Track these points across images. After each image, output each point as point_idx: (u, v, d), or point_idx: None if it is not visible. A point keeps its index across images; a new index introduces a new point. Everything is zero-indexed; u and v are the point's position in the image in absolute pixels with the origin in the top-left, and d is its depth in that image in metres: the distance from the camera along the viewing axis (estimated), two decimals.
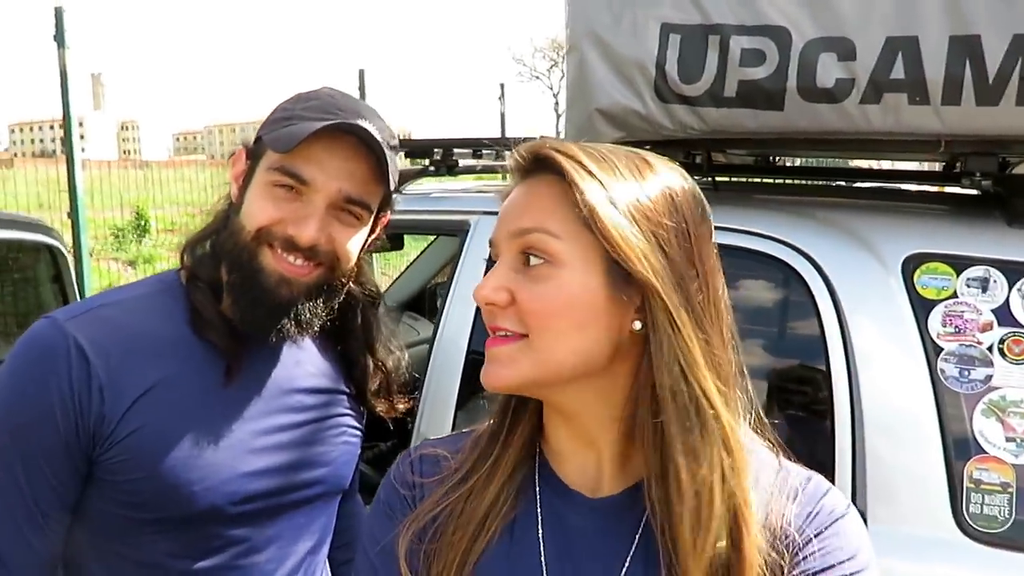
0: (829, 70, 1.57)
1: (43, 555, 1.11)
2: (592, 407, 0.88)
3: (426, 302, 4.11)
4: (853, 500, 1.56)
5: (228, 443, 1.17)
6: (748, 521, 0.81)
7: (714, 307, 0.86)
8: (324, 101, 1.19)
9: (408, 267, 4.29)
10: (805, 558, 0.83)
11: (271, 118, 1.21)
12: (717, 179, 2.14)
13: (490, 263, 0.91)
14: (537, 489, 0.92)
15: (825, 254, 1.73)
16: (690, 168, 2.12)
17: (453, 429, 1.90)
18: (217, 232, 1.23)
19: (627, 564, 0.86)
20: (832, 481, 1.55)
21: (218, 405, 1.18)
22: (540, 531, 0.90)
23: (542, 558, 0.88)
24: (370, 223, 1.26)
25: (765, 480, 0.87)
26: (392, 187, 1.20)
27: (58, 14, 4.54)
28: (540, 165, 0.87)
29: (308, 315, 1.19)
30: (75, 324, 1.12)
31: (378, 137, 1.15)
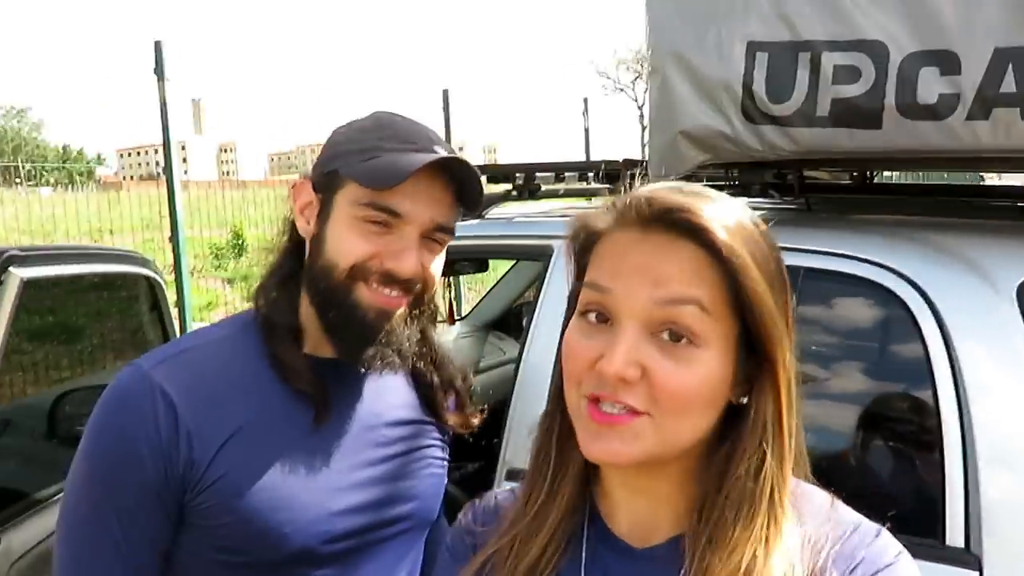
0: (931, 86, 1.49)
1: None
2: (661, 465, 0.84)
3: (511, 321, 4.10)
4: (966, 536, 1.46)
5: (316, 482, 1.16)
6: None
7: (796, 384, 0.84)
8: (398, 129, 1.18)
9: (494, 286, 4.29)
10: None
11: (344, 149, 1.18)
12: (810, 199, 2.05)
13: (573, 300, 0.87)
14: (584, 537, 0.90)
15: (930, 279, 1.63)
16: (781, 189, 2.05)
17: None
18: (292, 273, 1.22)
19: None
20: (943, 516, 1.49)
21: (306, 445, 1.17)
22: None
23: None
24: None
25: (811, 525, 0.82)
26: (481, 208, 1.22)
27: (157, 48, 4.75)
28: (665, 220, 0.80)
29: (407, 344, 1.20)
30: (160, 371, 1.13)
31: (464, 161, 1.16)
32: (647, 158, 1.88)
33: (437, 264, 1.21)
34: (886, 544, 0.82)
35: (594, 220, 0.87)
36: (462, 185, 1.18)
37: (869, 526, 0.84)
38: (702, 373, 0.78)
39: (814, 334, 1.75)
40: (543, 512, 0.90)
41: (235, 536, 1.10)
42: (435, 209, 1.16)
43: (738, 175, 2.00)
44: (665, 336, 0.78)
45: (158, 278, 2.49)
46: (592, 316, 0.83)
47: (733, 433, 0.82)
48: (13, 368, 2.14)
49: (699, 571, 0.78)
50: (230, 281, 11.93)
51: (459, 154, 1.19)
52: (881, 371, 1.78)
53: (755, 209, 2.23)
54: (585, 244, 0.88)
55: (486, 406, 1.43)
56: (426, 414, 1.34)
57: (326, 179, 1.19)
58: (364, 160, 1.14)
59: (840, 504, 0.86)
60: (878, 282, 1.67)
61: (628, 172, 2.29)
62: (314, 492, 1.15)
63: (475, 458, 2.66)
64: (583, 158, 10.17)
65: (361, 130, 1.20)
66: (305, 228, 1.21)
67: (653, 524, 0.87)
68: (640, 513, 0.88)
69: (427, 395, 1.34)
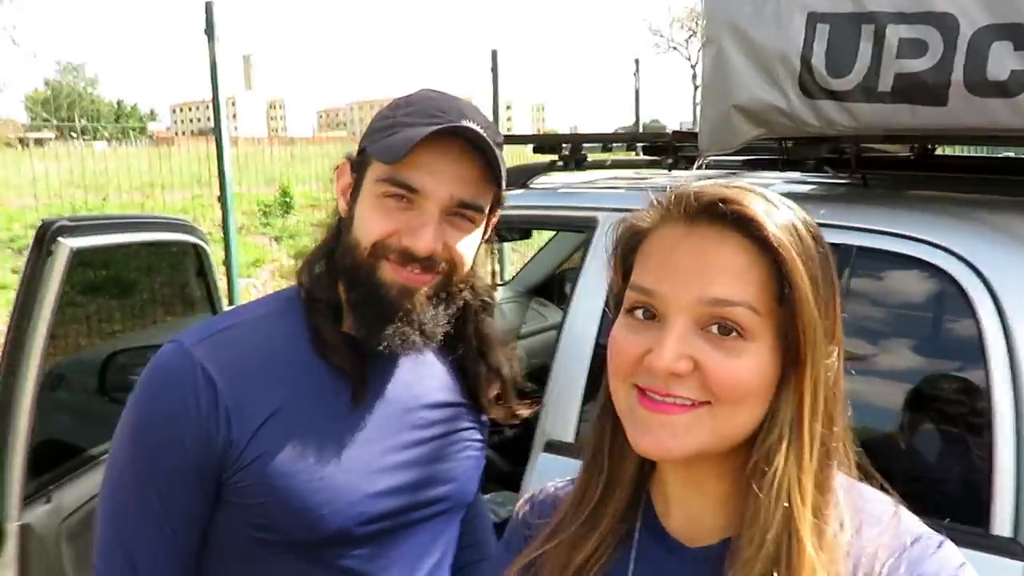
0: (1003, 61, 1.41)
1: None
2: (714, 461, 0.83)
3: (555, 288, 4.08)
4: (1014, 525, 1.42)
5: (354, 464, 1.15)
6: None
7: (837, 387, 0.82)
8: (425, 105, 1.15)
9: (538, 252, 4.27)
10: None
11: (373, 128, 1.18)
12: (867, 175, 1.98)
13: (616, 302, 0.86)
14: (637, 536, 0.90)
15: (987, 259, 1.56)
16: (836, 164, 1.98)
17: (578, 422, 1.90)
18: (332, 250, 1.22)
19: None
20: (990, 503, 1.44)
21: (343, 425, 1.17)
22: None
23: None
24: (483, 225, 1.22)
25: (869, 535, 0.79)
26: (502, 186, 1.17)
27: (208, 8, 4.76)
28: (713, 212, 0.79)
29: (431, 324, 1.17)
30: (201, 349, 1.12)
31: (485, 136, 1.11)
32: (699, 131, 1.83)
33: (466, 243, 1.18)
34: (946, 557, 0.78)
35: (638, 220, 0.86)
36: (491, 162, 1.14)
37: (931, 538, 0.80)
38: (753, 364, 0.77)
39: (866, 314, 1.70)
40: (596, 514, 0.90)
41: (271, 515, 1.10)
42: (457, 185, 1.13)
43: (792, 149, 1.93)
44: (714, 330, 0.77)
45: (204, 245, 2.52)
46: (639, 313, 0.82)
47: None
48: (65, 331, 2.19)
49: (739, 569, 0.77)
50: (277, 239, 12.06)
51: (498, 126, 1.15)
52: (934, 352, 1.73)
53: (809, 184, 2.18)
54: (630, 244, 0.87)
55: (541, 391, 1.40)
56: (467, 400, 1.33)
57: (359, 159, 1.19)
58: (385, 136, 1.13)
59: (904, 512, 0.82)
60: (932, 263, 1.61)
61: (677, 144, 2.24)
62: (351, 473, 1.15)
63: (513, 424, 2.67)
64: (633, 119, 10.02)
65: (394, 107, 1.18)
66: (344, 209, 1.21)
67: (706, 523, 0.86)
68: (694, 511, 0.87)
69: (471, 385, 1.33)
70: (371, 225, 1.14)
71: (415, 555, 1.23)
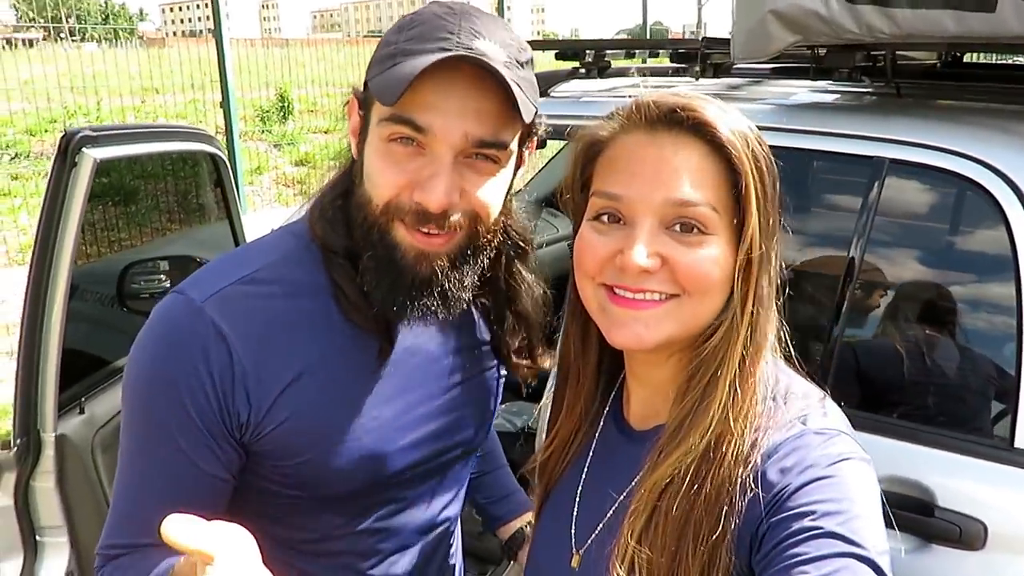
0: None
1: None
2: (665, 354, 0.91)
3: None
4: None
5: (380, 422, 1.10)
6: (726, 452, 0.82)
7: (776, 278, 0.89)
8: (431, 25, 0.98)
9: (549, 162, 4.21)
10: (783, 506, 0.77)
11: (376, 57, 1.03)
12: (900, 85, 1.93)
13: (577, 212, 0.92)
14: (602, 423, 1.02)
15: (1020, 169, 1.53)
16: (870, 72, 1.92)
17: None
18: (347, 191, 1.09)
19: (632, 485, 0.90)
20: (1016, 413, 1.46)
21: (368, 384, 1.10)
22: (589, 459, 1.01)
23: (581, 482, 1.00)
24: (512, 162, 1.07)
25: (779, 416, 0.84)
26: (529, 117, 0.98)
27: None
28: (671, 119, 0.85)
29: (455, 289, 1.06)
30: (214, 306, 1.01)
31: (503, 59, 0.96)
32: (732, 37, 1.77)
33: (491, 188, 1.03)
34: (828, 453, 0.80)
35: (596, 130, 0.92)
36: (510, 90, 0.96)
37: (824, 432, 0.82)
38: (716, 255, 0.84)
39: (897, 225, 1.69)
40: (571, 413, 1.03)
41: (296, 475, 1.06)
42: (470, 121, 0.97)
43: (825, 56, 1.88)
44: (677, 228, 0.85)
45: (222, 155, 2.48)
46: (605, 218, 0.88)
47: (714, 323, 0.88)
48: (90, 242, 2.18)
49: (654, 455, 0.86)
50: (277, 145, 11.88)
51: (511, 45, 1.00)
52: (963, 262, 1.72)
53: (840, 94, 2.12)
54: (589, 155, 0.92)
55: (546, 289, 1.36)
56: (489, 336, 1.27)
57: (365, 94, 1.05)
58: (386, 68, 0.98)
59: (815, 408, 0.85)
60: (964, 174, 1.58)
61: (706, 51, 2.17)
62: (378, 432, 1.10)
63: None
64: (634, 21, 9.72)
65: (397, 29, 1.03)
66: (355, 152, 1.08)
67: (657, 409, 0.94)
68: (647, 398, 0.96)
69: (494, 337, 1.26)
70: (380, 179, 1.01)
71: (432, 495, 1.23)
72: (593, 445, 1.01)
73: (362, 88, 1.06)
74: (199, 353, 0.99)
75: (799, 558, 0.72)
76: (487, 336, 1.27)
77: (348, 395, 1.08)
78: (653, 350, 0.88)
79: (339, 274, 1.07)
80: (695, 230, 0.84)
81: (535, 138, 1.12)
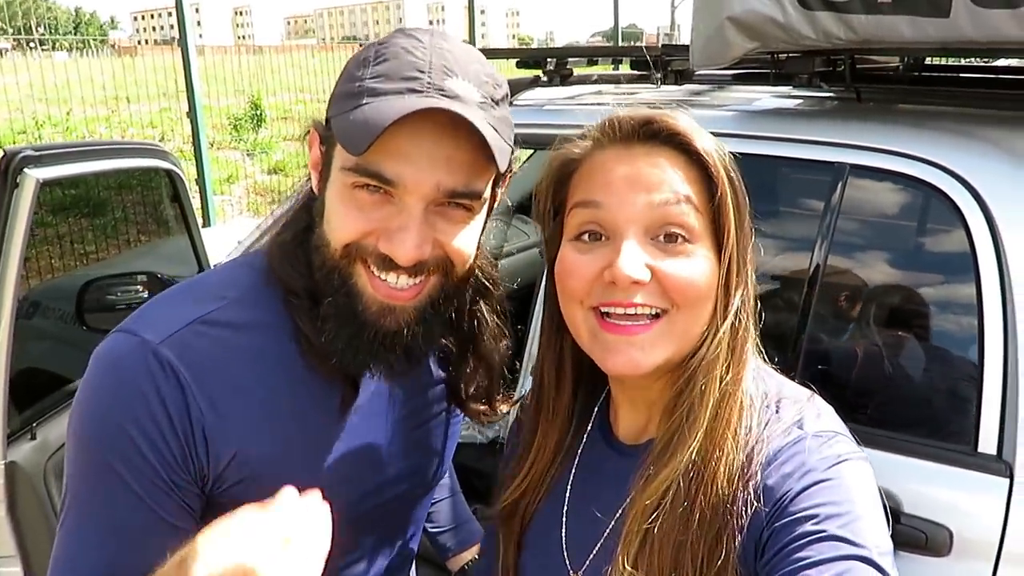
0: None
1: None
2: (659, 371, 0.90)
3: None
4: (999, 443, 1.42)
5: (347, 465, 1.06)
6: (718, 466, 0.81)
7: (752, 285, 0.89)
8: (398, 62, 0.90)
9: (519, 168, 4.20)
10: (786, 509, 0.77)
11: (339, 92, 0.95)
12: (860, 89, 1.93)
13: (553, 242, 0.91)
14: (586, 438, 1.00)
15: (981, 177, 1.53)
16: (830, 78, 1.92)
17: None
18: (307, 229, 1.02)
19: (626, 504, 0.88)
20: (979, 417, 1.46)
21: (332, 430, 1.05)
22: (572, 475, 0.98)
23: (566, 501, 0.98)
24: (485, 208, 1.00)
25: (775, 420, 0.84)
26: (505, 164, 0.92)
27: None
28: (646, 132, 0.86)
29: (421, 344, 0.99)
30: (171, 350, 0.93)
31: (476, 99, 0.90)
32: (691, 44, 1.76)
33: (465, 237, 0.96)
34: (827, 456, 0.80)
35: (568, 151, 0.91)
36: (484, 137, 0.88)
37: (822, 434, 0.82)
38: (703, 265, 0.84)
39: (858, 231, 1.68)
40: (549, 435, 1.00)
41: None
42: (442, 171, 0.90)
43: (785, 62, 1.87)
44: (661, 239, 0.84)
45: (178, 170, 2.44)
46: (586, 236, 0.87)
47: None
48: (37, 264, 2.13)
49: (643, 474, 0.84)
50: (249, 153, 11.79)
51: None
52: (926, 270, 1.72)
53: (800, 99, 2.11)
54: (562, 175, 0.91)
55: (515, 285, 1.32)
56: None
57: (327, 130, 0.97)
58: (350, 108, 0.90)
59: (809, 411, 0.85)
60: (924, 179, 1.58)
61: (667, 58, 2.17)
62: (343, 474, 1.05)
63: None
64: (611, 23, 9.77)
65: (361, 62, 0.94)
66: (316, 187, 1.01)
67: (644, 426, 0.94)
68: (635, 417, 0.95)
69: (452, 380, 1.20)
70: (340, 222, 0.93)
71: (393, 528, 1.21)
72: (576, 462, 0.99)
73: (324, 122, 0.99)
74: (154, 398, 0.91)
75: (803, 562, 0.72)
76: (444, 376, 1.22)
77: (312, 444, 1.03)
78: (648, 374, 0.86)
79: (301, 317, 0.99)
80: (680, 239, 0.84)
81: (509, 176, 1.04)
